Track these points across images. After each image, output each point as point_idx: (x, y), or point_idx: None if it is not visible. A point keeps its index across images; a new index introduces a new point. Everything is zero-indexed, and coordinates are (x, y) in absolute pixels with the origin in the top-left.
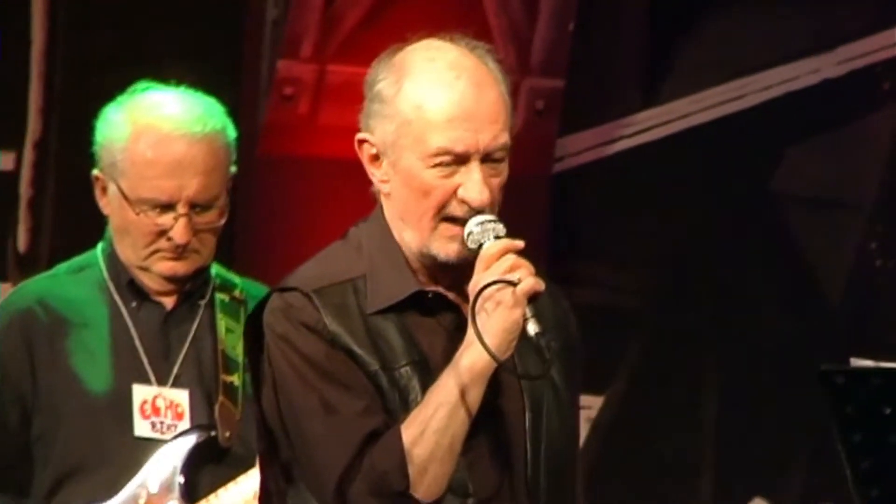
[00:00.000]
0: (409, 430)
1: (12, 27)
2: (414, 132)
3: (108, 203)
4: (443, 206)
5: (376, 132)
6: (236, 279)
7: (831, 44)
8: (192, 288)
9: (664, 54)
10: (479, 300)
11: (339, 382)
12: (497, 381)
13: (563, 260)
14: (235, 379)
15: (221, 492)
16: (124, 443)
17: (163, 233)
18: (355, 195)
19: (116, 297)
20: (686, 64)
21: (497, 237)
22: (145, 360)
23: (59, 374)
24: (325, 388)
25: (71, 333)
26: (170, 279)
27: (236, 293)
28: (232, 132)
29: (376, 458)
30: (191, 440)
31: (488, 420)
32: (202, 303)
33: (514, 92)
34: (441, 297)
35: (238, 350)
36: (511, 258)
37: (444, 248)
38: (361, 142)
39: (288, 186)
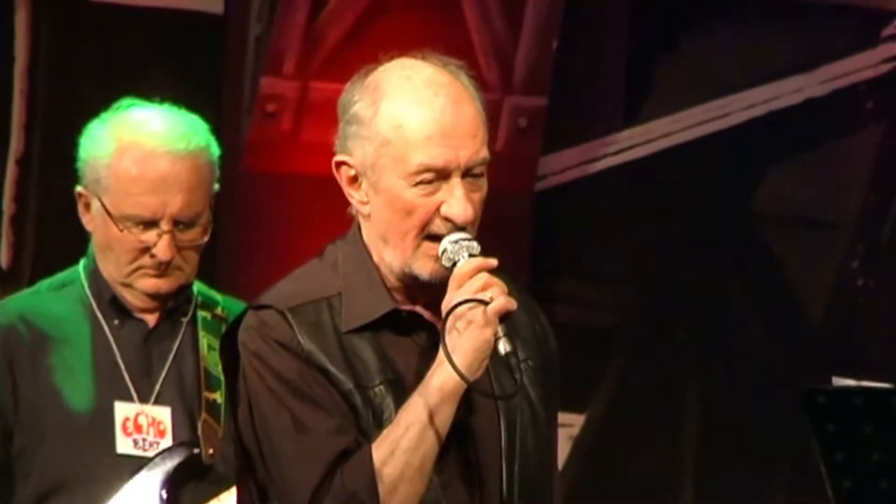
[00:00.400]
0: (380, 450)
1: None
2: (394, 152)
3: (92, 219)
4: (425, 224)
5: (355, 154)
6: (218, 297)
7: (814, 63)
8: (174, 305)
9: (646, 73)
10: (451, 319)
11: (311, 401)
12: (471, 400)
13: (545, 278)
14: (218, 396)
15: None
16: (106, 460)
17: (146, 249)
18: (338, 212)
19: (99, 314)
20: (668, 83)
21: (471, 255)
22: (127, 378)
23: (40, 391)
24: (298, 406)
25: (53, 350)
26: (153, 296)
27: (218, 311)
28: (216, 149)
29: (347, 476)
30: (173, 458)
31: (462, 439)
32: (184, 320)
33: (496, 109)
34: (416, 315)
35: (220, 367)
36: (483, 277)
37: (426, 267)
38: (339, 164)
39: (271, 203)
